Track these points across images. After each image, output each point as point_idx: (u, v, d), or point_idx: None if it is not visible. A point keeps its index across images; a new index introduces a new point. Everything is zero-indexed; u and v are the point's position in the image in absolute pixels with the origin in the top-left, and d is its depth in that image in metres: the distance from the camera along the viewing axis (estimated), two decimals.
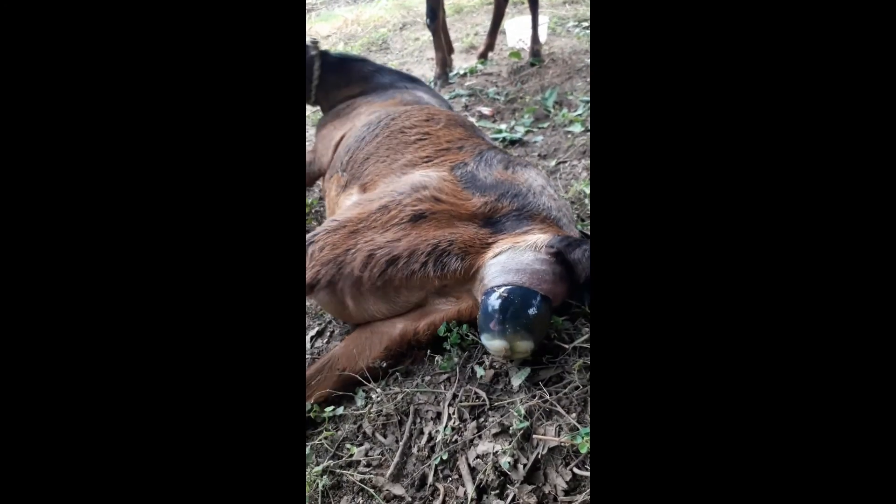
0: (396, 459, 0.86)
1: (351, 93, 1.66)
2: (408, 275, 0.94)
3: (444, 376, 0.98)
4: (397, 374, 1.01)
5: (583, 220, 1.27)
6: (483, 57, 2.61)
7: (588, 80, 2.08)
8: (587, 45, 2.43)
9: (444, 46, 2.43)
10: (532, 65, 2.35)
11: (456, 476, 0.82)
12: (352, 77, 1.68)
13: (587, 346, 0.91)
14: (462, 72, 2.52)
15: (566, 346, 0.91)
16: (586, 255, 0.90)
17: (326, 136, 1.56)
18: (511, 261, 0.94)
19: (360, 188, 1.23)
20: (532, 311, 0.86)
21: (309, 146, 1.70)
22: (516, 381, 0.91)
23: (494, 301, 0.87)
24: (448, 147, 1.21)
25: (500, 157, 1.18)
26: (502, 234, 0.99)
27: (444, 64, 2.46)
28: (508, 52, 2.48)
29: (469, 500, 0.78)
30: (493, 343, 0.86)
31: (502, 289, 0.88)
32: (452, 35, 2.76)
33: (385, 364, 1.00)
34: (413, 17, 3.77)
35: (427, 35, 3.06)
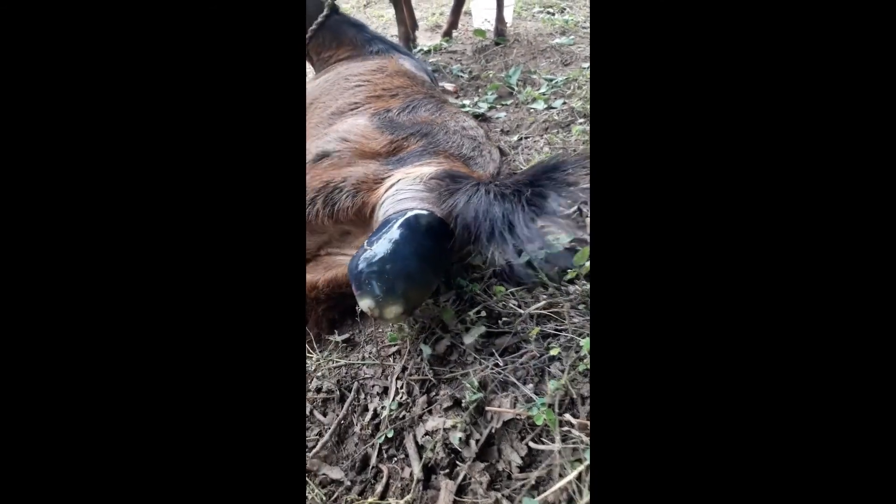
0: (328, 439, 0.77)
1: (339, 56, 1.60)
2: None
3: (394, 348, 0.89)
4: (341, 344, 0.92)
5: None
6: (447, 35, 2.52)
7: (552, 60, 2.04)
8: (551, 29, 2.40)
9: (406, 21, 2.33)
10: (497, 44, 2.29)
11: (402, 455, 0.74)
12: (344, 40, 1.63)
13: (544, 312, 0.84)
14: (426, 48, 2.42)
15: (521, 312, 0.85)
16: (474, 191, 0.81)
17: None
18: (396, 195, 0.87)
19: None
20: (402, 266, 0.75)
21: None
22: (469, 339, 0.83)
23: (365, 248, 0.78)
24: (381, 95, 1.15)
25: (432, 105, 1.13)
26: (400, 168, 0.92)
27: (408, 39, 2.36)
28: (474, 30, 2.41)
29: (415, 481, 0.69)
30: (362, 302, 0.77)
31: (375, 238, 0.79)
32: (418, 14, 2.66)
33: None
34: None
35: (391, 12, 2.95)
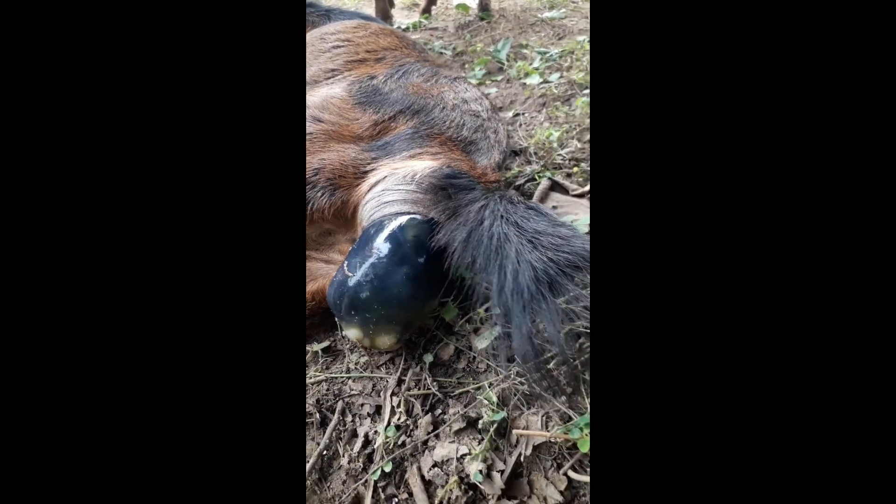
0: (307, 475, 0.60)
1: None
2: None
3: (386, 356, 0.72)
4: (319, 354, 0.74)
5: (548, 169, 1.07)
6: (426, 12, 2.35)
7: (543, 34, 1.89)
8: (538, 4, 2.25)
9: None
10: (481, 19, 2.13)
11: (404, 495, 0.57)
12: None
13: (572, 307, 0.69)
14: (405, 26, 2.24)
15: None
16: (458, 208, 0.67)
17: None
18: (382, 196, 0.71)
19: None
20: (393, 292, 0.63)
21: None
22: (481, 344, 0.67)
23: (347, 275, 0.65)
24: (364, 59, 0.96)
25: (426, 70, 0.95)
26: (386, 159, 0.76)
27: (386, 17, 2.18)
28: (456, 5, 2.24)
29: None
30: (349, 332, 0.66)
31: (357, 260, 0.66)
32: None
33: None
34: None
35: None
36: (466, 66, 1.78)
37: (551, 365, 0.65)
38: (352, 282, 0.65)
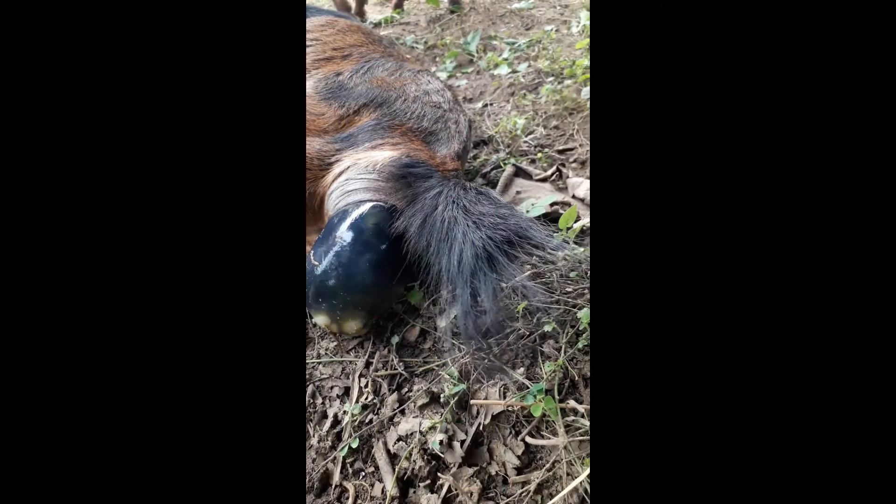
0: None
1: None
2: None
3: (355, 341, 0.75)
4: None
5: (514, 156, 1.09)
6: (398, 7, 2.36)
7: (512, 25, 1.91)
8: None
9: None
10: (452, 12, 2.14)
11: (371, 469, 0.60)
12: None
13: (529, 284, 0.72)
14: (376, 21, 2.25)
15: (503, 284, 0.72)
16: (416, 196, 0.70)
17: None
18: (345, 185, 0.75)
19: None
20: (357, 279, 0.67)
21: None
22: (443, 322, 0.70)
23: (314, 265, 0.68)
24: (331, 56, 0.98)
25: (391, 64, 0.97)
26: (350, 150, 0.79)
27: (361, 13, 2.19)
28: (426, 0, 2.25)
29: (388, 498, 0.56)
30: (317, 318, 0.70)
31: (322, 249, 0.69)
32: None
33: None
34: None
35: None
36: (437, 59, 1.80)
37: (511, 339, 0.68)
38: (318, 270, 0.67)
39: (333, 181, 0.77)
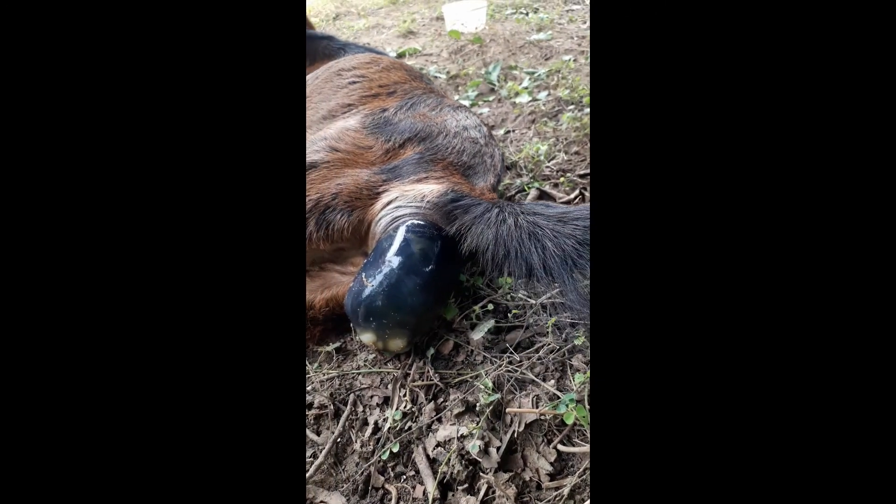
0: (324, 461, 0.67)
1: (314, 70, 1.52)
2: None
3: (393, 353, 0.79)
4: (333, 354, 0.82)
5: (537, 180, 1.15)
6: None
7: (531, 55, 2.00)
8: (527, 27, 2.38)
9: None
10: (473, 43, 2.25)
11: (411, 472, 0.64)
12: (317, 55, 1.53)
13: (559, 300, 0.76)
14: (400, 52, 2.37)
15: (532, 302, 0.77)
16: (475, 219, 0.75)
17: None
18: (395, 212, 0.79)
19: None
20: (405, 300, 0.71)
21: None
22: (476, 336, 0.74)
23: (364, 285, 0.72)
24: (377, 93, 1.05)
25: (432, 100, 1.03)
26: (396, 182, 0.84)
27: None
28: (448, 32, 2.37)
29: (430, 500, 0.60)
30: (363, 336, 0.74)
31: (373, 271, 0.73)
32: (388, 22, 2.61)
33: None
34: (346, 7, 3.59)
35: (362, 23, 2.91)
36: (460, 87, 1.89)
37: (540, 354, 0.72)
38: (368, 292, 0.71)
39: (382, 209, 0.82)
